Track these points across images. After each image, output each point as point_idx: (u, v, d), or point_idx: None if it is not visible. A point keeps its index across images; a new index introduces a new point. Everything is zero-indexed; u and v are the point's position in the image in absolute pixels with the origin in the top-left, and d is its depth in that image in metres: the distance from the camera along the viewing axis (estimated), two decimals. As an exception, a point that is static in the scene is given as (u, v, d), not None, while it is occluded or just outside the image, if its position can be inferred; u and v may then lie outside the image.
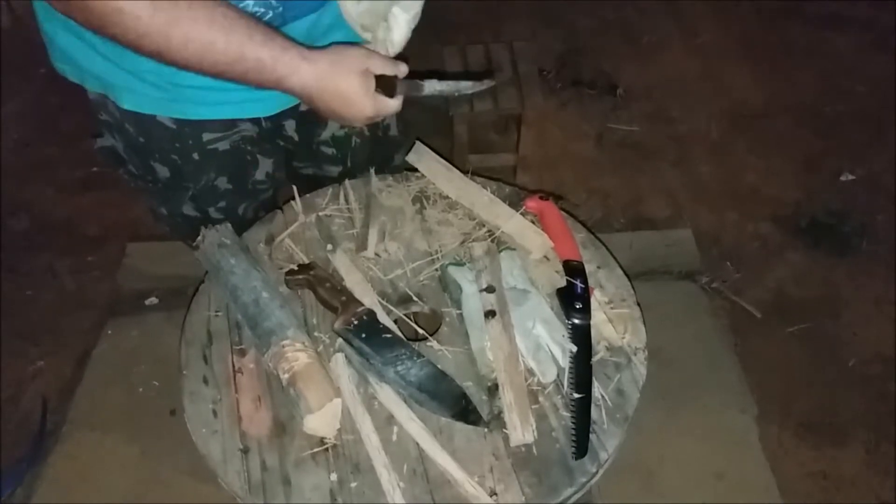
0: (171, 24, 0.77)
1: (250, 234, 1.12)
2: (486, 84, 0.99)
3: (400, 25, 0.95)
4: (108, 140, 1.11)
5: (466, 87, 0.97)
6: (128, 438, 1.64)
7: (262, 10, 0.90)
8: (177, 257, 1.80)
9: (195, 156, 1.09)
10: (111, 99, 1.01)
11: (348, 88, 0.89)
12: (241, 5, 0.87)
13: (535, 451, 0.86)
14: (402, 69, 0.95)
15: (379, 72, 0.91)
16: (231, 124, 1.08)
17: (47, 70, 1.03)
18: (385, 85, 0.92)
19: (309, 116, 1.16)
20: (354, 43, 0.96)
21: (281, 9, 0.92)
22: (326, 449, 0.87)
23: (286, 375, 0.87)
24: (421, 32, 0.99)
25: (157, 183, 1.13)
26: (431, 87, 0.95)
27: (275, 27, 0.87)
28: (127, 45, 0.79)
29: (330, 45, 0.91)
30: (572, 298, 0.97)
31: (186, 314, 1.03)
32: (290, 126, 1.20)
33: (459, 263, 1.04)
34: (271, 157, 1.20)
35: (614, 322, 0.98)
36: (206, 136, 1.07)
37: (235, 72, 0.83)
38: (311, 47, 0.88)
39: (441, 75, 0.97)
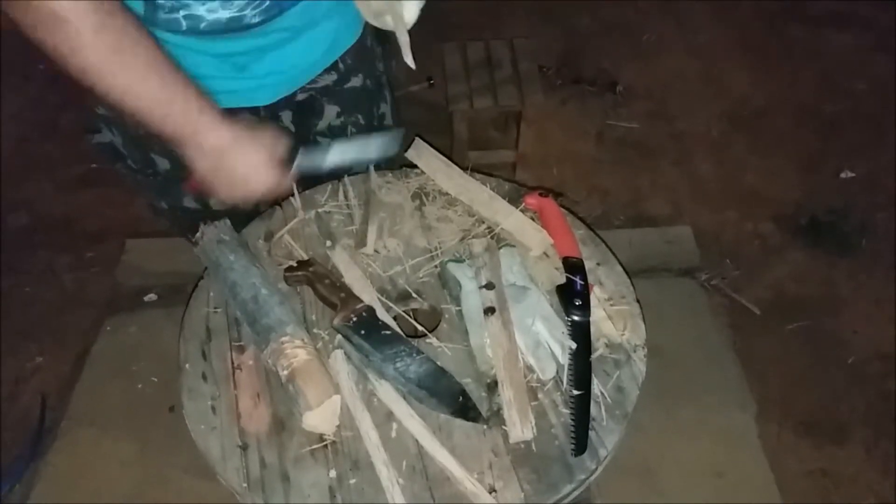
0: (112, 50, 0.78)
1: (249, 231, 1.12)
2: (395, 139, 1.04)
3: (411, 4, 0.96)
4: (107, 135, 1.11)
5: (372, 151, 1.03)
6: (127, 435, 1.64)
7: (260, 6, 0.90)
8: (176, 254, 1.80)
9: None
10: None
11: (257, 156, 0.92)
12: None
13: (534, 447, 0.86)
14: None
15: (281, 153, 0.95)
16: (229, 114, 1.08)
17: (46, 68, 1.02)
18: (285, 162, 0.96)
19: (305, 106, 1.16)
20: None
21: None
22: (325, 446, 0.87)
23: (285, 372, 0.87)
24: (421, 30, 0.99)
25: (158, 175, 1.13)
26: (333, 155, 0.99)
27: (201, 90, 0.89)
28: (55, 55, 0.78)
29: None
30: (572, 295, 0.97)
31: (185, 311, 1.03)
32: (286, 117, 1.20)
33: (459, 260, 1.04)
34: None
35: (614, 319, 0.98)
36: None
37: (155, 114, 0.84)
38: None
39: (343, 139, 1.02)
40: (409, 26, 0.97)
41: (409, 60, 0.98)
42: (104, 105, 1.05)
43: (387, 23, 0.98)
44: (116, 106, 0.84)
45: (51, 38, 0.77)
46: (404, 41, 0.97)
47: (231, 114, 1.07)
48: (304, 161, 0.97)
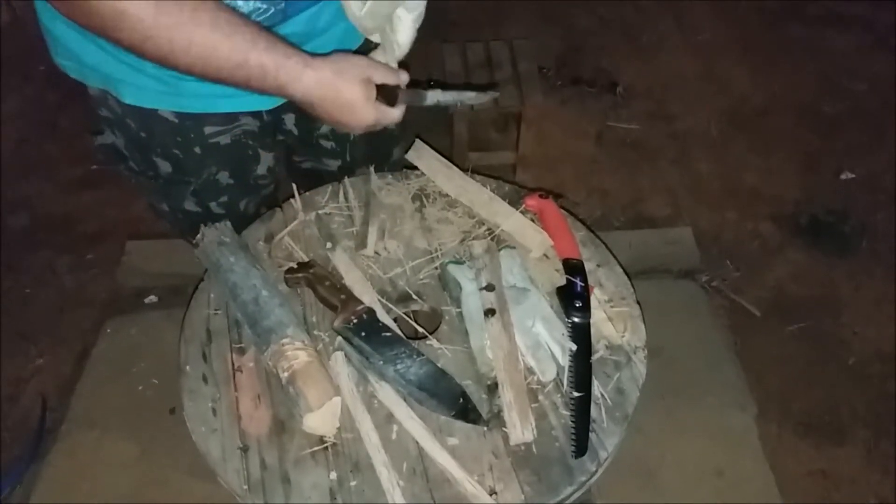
0: (175, 27, 0.77)
1: (250, 232, 1.12)
2: (489, 95, 1.00)
3: (405, 26, 0.95)
4: (109, 137, 1.11)
5: (469, 98, 0.99)
6: (127, 437, 1.63)
7: (265, 5, 0.90)
8: (176, 255, 1.80)
9: (197, 150, 1.09)
10: (112, 94, 1.01)
11: (350, 97, 0.89)
12: (243, 2, 0.87)
13: (534, 449, 0.86)
14: (404, 78, 0.95)
15: (380, 81, 0.92)
16: (232, 118, 1.08)
17: (47, 68, 1.03)
18: (386, 94, 0.92)
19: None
20: (357, 52, 0.97)
21: (283, 4, 0.92)
22: (326, 447, 0.87)
23: (286, 374, 0.87)
24: (421, 30, 0.99)
25: (159, 178, 1.13)
26: (434, 97, 0.95)
27: (278, 35, 0.87)
28: (130, 49, 0.79)
29: (332, 52, 0.91)
30: (572, 297, 0.97)
31: (186, 312, 1.03)
32: (289, 120, 1.20)
33: (459, 262, 1.04)
34: (272, 151, 1.20)
35: (614, 320, 0.98)
36: (208, 130, 1.07)
37: (237, 77, 0.83)
38: (313, 55, 0.88)
39: (443, 85, 0.97)
40: (404, 51, 0.98)
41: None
42: (107, 107, 1.06)
43: (381, 40, 0.98)
44: (213, 79, 0.83)
45: (123, 35, 0.77)
46: (394, 65, 0.97)
47: (232, 118, 1.08)
48: (405, 97, 0.93)
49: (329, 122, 0.93)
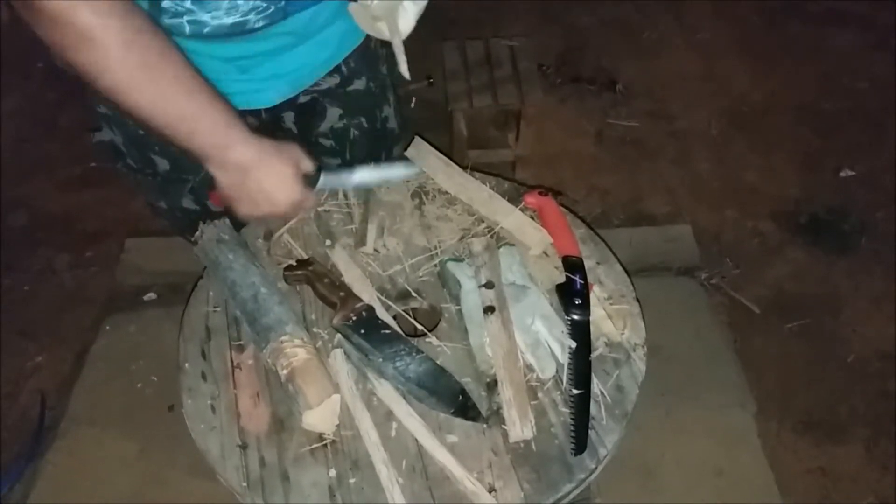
0: (139, 67, 0.77)
1: (249, 230, 1.12)
2: (411, 170, 1.06)
3: (408, 16, 0.95)
4: (107, 134, 1.11)
5: (394, 175, 1.04)
6: (126, 434, 1.63)
7: (265, 3, 0.90)
8: (175, 253, 1.80)
9: None
10: None
11: (283, 172, 0.91)
12: (243, 1, 0.87)
13: (534, 447, 0.86)
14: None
15: (306, 170, 0.94)
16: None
17: (46, 66, 1.03)
18: (308, 179, 0.94)
19: (307, 108, 1.16)
20: (358, 48, 1.00)
21: (283, 2, 0.92)
22: (325, 445, 0.87)
23: (285, 371, 0.87)
24: (420, 28, 0.99)
25: (157, 176, 1.13)
26: (355, 179, 0.99)
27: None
28: (84, 74, 0.78)
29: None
30: (571, 294, 0.97)
31: (185, 310, 1.03)
32: (288, 118, 1.20)
33: (458, 259, 1.04)
34: None
35: (613, 318, 0.98)
36: None
37: (182, 129, 0.83)
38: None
39: (367, 164, 1.01)
40: (404, 36, 0.98)
41: (403, 70, 0.99)
42: (106, 103, 1.05)
43: (381, 31, 0.98)
44: (144, 123, 0.83)
45: (81, 59, 0.76)
46: (399, 50, 0.97)
47: None
48: (327, 181, 0.96)
49: (248, 203, 0.92)
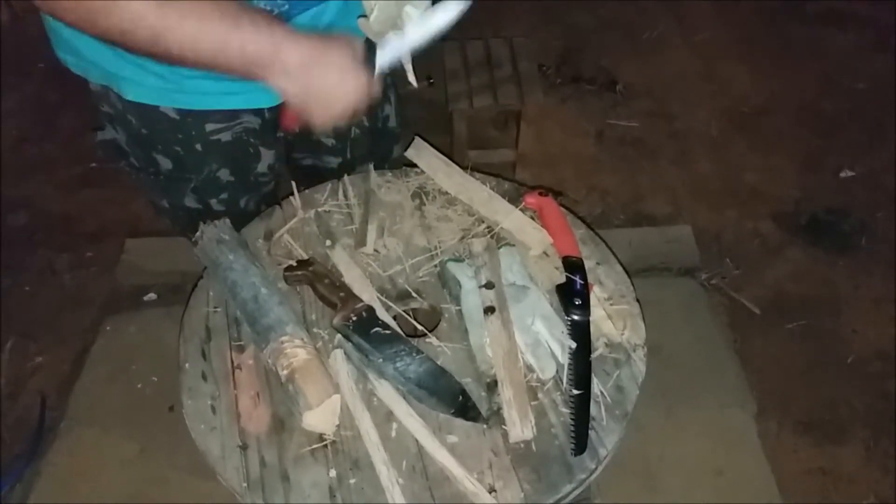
0: (165, 4, 0.76)
1: (249, 230, 1.12)
2: (464, 4, 0.95)
3: (413, 22, 0.95)
4: (110, 133, 1.11)
5: (445, 18, 0.93)
6: (126, 435, 1.63)
7: (269, 7, 0.90)
8: (175, 253, 1.80)
9: (198, 147, 1.09)
10: (114, 90, 1.01)
11: (343, 61, 0.87)
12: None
13: (534, 447, 0.86)
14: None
15: (362, 54, 0.90)
16: (234, 115, 1.08)
17: (46, 66, 1.03)
18: (367, 64, 0.90)
19: None
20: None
21: (287, 6, 0.92)
22: (325, 445, 0.87)
23: (285, 372, 0.87)
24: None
25: (160, 175, 1.13)
26: (410, 39, 0.91)
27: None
28: (118, 37, 0.78)
29: None
30: (572, 295, 0.97)
31: (185, 310, 1.03)
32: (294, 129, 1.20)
33: (458, 259, 1.04)
34: (272, 149, 1.20)
35: (613, 318, 0.98)
36: (209, 127, 1.07)
37: (232, 46, 0.81)
38: None
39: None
40: (422, 40, 0.97)
41: (411, 78, 0.98)
42: (107, 103, 1.05)
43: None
44: (192, 60, 0.81)
45: (113, 21, 0.76)
46: (407, 60, 0.96)
47: (234, 116, 1.08)
48: (384, 56, 0.91)
49: (320, 97, 0.89)
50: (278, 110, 1.13)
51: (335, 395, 0.87)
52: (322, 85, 0.87)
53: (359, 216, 1.12)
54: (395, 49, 0.92)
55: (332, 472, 0.84)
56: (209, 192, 1.16)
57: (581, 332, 0.94)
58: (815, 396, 1.78)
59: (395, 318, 0.99)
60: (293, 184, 1.15)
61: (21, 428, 1.72)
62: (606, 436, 0.87)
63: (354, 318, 0.93)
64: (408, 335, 0.95)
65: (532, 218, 1.09)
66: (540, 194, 1.11)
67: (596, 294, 1.00)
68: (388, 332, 0.93)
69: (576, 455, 0.85)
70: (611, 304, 1.00)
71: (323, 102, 0.89)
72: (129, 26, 0.76)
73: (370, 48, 0.91)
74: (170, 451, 1.57)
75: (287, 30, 0.84)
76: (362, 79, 0.89)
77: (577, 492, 0.85)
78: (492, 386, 0.91)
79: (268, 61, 0.83)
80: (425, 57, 0.97)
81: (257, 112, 1.12)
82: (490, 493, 0.81)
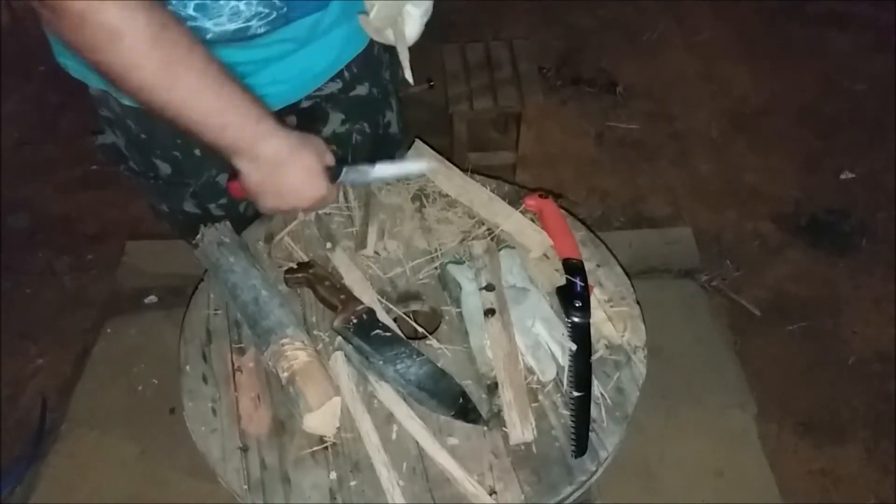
0: (166, 62, 0.76)
1: (249, 233, 1.12)
2: (428, 162, 1.05)
3: (413, 20, 0.96)
4: (109, 137, 1.11)
5: (413, 169, 1.03)
6: (127, 437, 1.64)
7: (266, 10, 0.90)
8: (176, 256, 1.80)
9: (197, 152, 1.09)
10: (113, 95, 1.01)
11: (311, 166, 0.90)
12: (245, 5, 0.87)
13: (534, 449, 0.86)
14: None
15: (329, 163, 0.94)
16: None
17: (47, 68, 1.03)
18: (330, 172, 0.94)
19: (310, 113, 1.16)
20: (361, 54, 1.01)
21: (285, 9, 0.92)
22: (326, 447, 0.87)
23: (285, 374, 0.87)
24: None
25: (159, 179, 1.13)
26: (375, 172, 0.97)
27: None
28: (108, 74, 0.77)
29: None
30: (572, 297, 0.97)
31: (186, 312, 1.03)
32: (290, 122, 1.20)
33: (459, 262, 1.04)
34: None
35: (614, 320, 0.98)
36: None
37: (213, 124, 0.82)
38: None
39: (385, 159, 0.99)
40: (410, 43, 0.98)
41: (408, 75, 0.99)
42: (107, 107, 1.06)
43: (388, 38, 0.98)
44: (175, 121, 0.82)
45: (108, 58, 0.75)
46: (405, 57, 0.97)
47: None
48: (348, 175, 0.95)
49: (276, 195, 0.91)
50: (278, 115, 1.14)
51: (335, 397, 0.87)
52: (283, 182, 0.90)
53: (359, 219, 1.12)
54: (361, 174, 0.96)
55: (333, 474, 0.84)
56: (208, 196, 1.16)
57: (581, 334, 0.94)
58: (815, 397, 1.78)
59: (395, 320, 0.99)
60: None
61: (21, 429, 1.72)
62: (607, 437, 0.87)
63: (355, 321, 0.93)
64: (408, 337, 0.95)
65: (532, 220, 1.09)
66: (540, 196, 1.11)
67: (596, 296, 1.00)
68: (388, 334, 0.93)
69: (576, 457, 0.85)
70: (611, 306, 1.00)
71: (277, 195, 0.91)
72: (122, 70, 0.76)
73: (339, 162, 0.95)
74: (170, 452, 1.57)
75: (273, 124, 0.86)
76: (322, 189, 0.92)
77: (577, 493, 0.85)
78: (492, 388, 0.91)
79: (242, 150, 0.86)
80: (425, 59, 0.97)
81: None
82: (490, 494, 0.81)
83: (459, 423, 0.88)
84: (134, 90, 0.79)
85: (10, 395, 1.80)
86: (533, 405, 0.89)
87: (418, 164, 1.04)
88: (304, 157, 0.89)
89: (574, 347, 0.92)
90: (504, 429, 0.87)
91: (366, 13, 0.97)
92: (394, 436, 0.87)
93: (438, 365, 0.92)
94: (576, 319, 0.94)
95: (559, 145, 2.47)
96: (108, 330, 1.86)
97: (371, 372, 0.92)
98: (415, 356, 0.91)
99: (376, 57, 1.18)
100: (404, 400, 0.89)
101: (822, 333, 1.91)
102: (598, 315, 0.97)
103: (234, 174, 0.92)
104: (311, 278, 1.00)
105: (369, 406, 0.89)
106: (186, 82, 0.78)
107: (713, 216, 2.22)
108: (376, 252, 1.07)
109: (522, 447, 0.86)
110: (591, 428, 0.87)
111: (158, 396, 1.70)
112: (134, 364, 1.77)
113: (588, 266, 1.03)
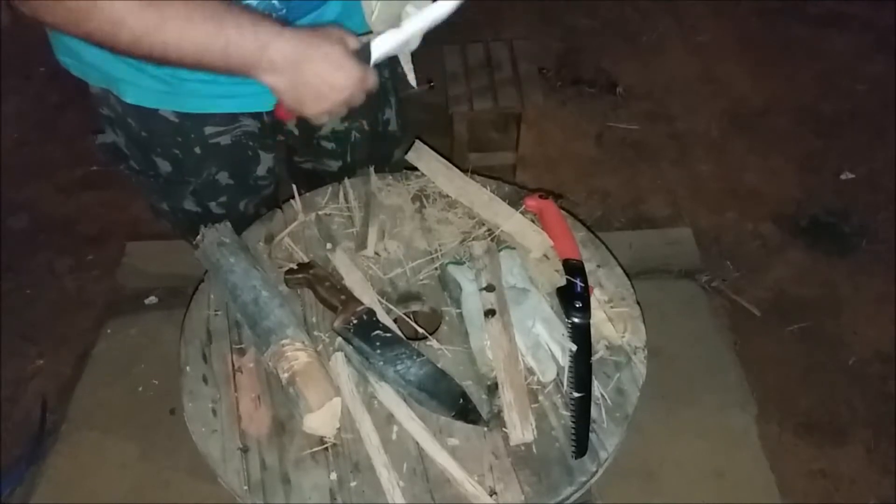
0: (147, 7, 0.76)
1: (250, 233, 1.12)
2: None
3: (413, 19, 0.95)
4: (110, 136, 1.11)
5: (444, 9, 0.93)
6: (127, 437, 1.64)
7: (266, 12, 0.90)
8: (176, 256, 1.80)
9: (197, 150, 1.09)
10: (113, 93, 1.01)
11: (333, 52, 0.86)
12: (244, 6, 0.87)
13: (534, 450, 0.86)
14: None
15: (354, 47, 0.89)
16: (233, 118, 1.08)
17: (47, 69, 1.03)
18: (361, 55, 0.89)
19: None
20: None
21: (284, 10, 0.92)
22: (326, 448, 0.87)
23: (286, 374, 0.87)
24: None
25: (159, 178, 1.13)
26: (408, 30, 0.90)
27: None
28: (102, 39, 0.77)
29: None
30: (572, 297, 0.97)
31: (186, 313, 1.03)
32: (290, 121, 1.20)
33: (459, 262, 1.04)
34: (272, 152, 1.20)
35: (614, 321, 0.98)
36: (208, 130, 1.07)
37: (215, 47, 0.80)
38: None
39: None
40: (414, 44, 0.97)
41: (411, 79, 0.98)
42: (107, 105, 1.06)
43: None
44: (182, 62, 0.81)
45: (94, 24, 0.76)
46: (406, 60, 0.96)
47: (233, 119, 1.08)
48: (379, 47, 0.90)
49: (313, 93, 0.88)
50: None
51: (336, 397, 0.87)
52: (313, 79, 0.86)
53: (359, 219, 1.12)
54: (389, 41, 0.90)
55: (333, 475, 0.84)
56: (208, 195, 1.16)
57: (581, 335, 0.94)
58: (815, 398, 1.78)
59: (395, 320, 0.99)
60: (294, 187, 1.15)
61: (22, 430, 1.72)
62: (607, 438, 0.87)
63: (355, 321, 0.94)
64: (408, 338, 0.96)
65: (532, 221, 1.09)
66: (540, 197, 1.11)
67: (596, 296, 1.00)
68: (388, 334, 0.93)
69: (576, 457, 0.85)
70: (611, 307, 1.00)
71: (315, 96, 0.88)
72: (110, 28, 0.76)
73: (364, 40, 0.90)
74: (170, 453, 1.57)
75: (273, 27, 0.83)
76: (356, 71, 0.88)
77: (577, 494, 0.85)
78: (492, 388, 0.91)
79: (253, 61, 0.83)
80: (425, 59, 0.97)
81: (256, 115, 1.12)
82: (491, 495, 0.81)
83: (460, 424, 0.88)
84: (130, 46, 0.78)
85: (11, 396, 1.80)
86: (533, 406, 0.89)
87: (443, 3, 0.93)
88: (321, 47, 0.85)
89: (574, 348, 0.92)
90: (504, 429, 0.87)
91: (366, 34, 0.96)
92: (394, 436, 0.87)
93: (439, 366, 0.92)
94: (576, 320, 0.95)
95: (559, 146, 2.47)
96: (109, 330, 1.86)
97: (371, 372, 0.92)
98: (415, 357, 0.91)
99: None
100: (404, 400, 0.89)
101: (823, 334, 1.91)
102: (598, 316, 0.97)
103: (271, 108, 0.89)
104: (312, 279, 1.00)
105: (369, 407, 0.90)
106: (172, 18, 0.77)
107: (713, 217, 2.22)
108: (376, 253, 1.08)
109: (523, 448, 0.86)
110: (591, 428, 0.87)
111: (159, 397, 1.70)
112: (134, 365, 1.77)
113: (588, 267, 1.03)
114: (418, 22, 0.91)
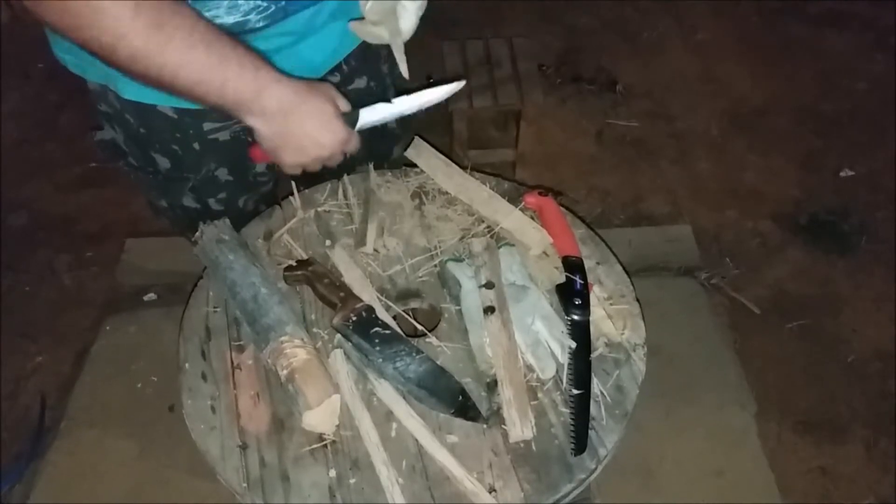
0: (152, 27, 0.75)
1: (249, 230, 1.12)
2: (455, 85, 0.98)
3: (409, 14, 0.95)
4: (108, 132, 1.11)
5: (432, 96, 0.97)
6: (126, 434, 1.64)
7: (265, 3, 0.90)
8: (175, 253, 1.80)
9: (196, 146, 1.09)
10: (112, 89, 1.01)
11: (323, 109, 0.89)
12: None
13: (534, 447, 0.86)
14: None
15: (343, 108, 0.92)
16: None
17: (46, 67, 1.03)
18: (348, 118, 0.92)
19: None
20: (357, 48, 0.99)
21: (283, 2, 0.92)
22: (325, 445, 0.87)
23: (285, 371, 0.87)
24: (420, 28, 0.99)
25: (158, 174, 1.13)
26: (397, 108, 0.95)
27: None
28: (99, 52, 0.77)
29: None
30: (571, 294, 0.97)
31: (185, 310, 1.03)
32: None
33: (458, 259, 1.04)
34: None
35: (613, 318, 0.98)
36: (207, 126, 1.07)
37: (213, 83, 0.81)
38: None
39: (400, 92, 0.96)
40: (407, 36, 0.98)
41: (404, 71, 0.98)
42: (105, 102, 1.05)
43: (381, 36, 0.98)
44: (174, 87, 0.81)
45: (95, 34, 0.75)
46: (399, 52, 0.96)
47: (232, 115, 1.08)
48: (367, 117, 0.93)
49: (295, 145, 0.89)
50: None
51: (335, 395, 0.87)
52: (297, 130, 0.88)
53: (358, 216, 1.12)
54: (380, 112, 0.94)
55: (332, 472, 0.84)
56: (207, 191, 1.16)
57: (581, 332, 0.94)
58: (815, 396, 1.78)
59: (394, 317, 0.99)
60: (293, 183, 1.15)
61: (21, 428, 1.72)
62: (606, 435, 0.87)
63: (354, 318, 0.93)
64: (408, 335, 0.95)
65: (532, 218, 1.09)
66: (540, 194, 1.11)
67: (596, 294, 1.00)
68: (387, 331, 0.93)
69: (576, 455, 0.85)
70: (611, 304, 1.00)
71: (296, 147, 0.90)
72: (110, 41, 0.75)
73: (355, 107, 0.93)
74: (170, 450, 1.57)
75: (273, 73, 0.84)
76: (341, 132, 0.90)
77: (576, 491, 0.85)
78: (492, 386, 0.91)
79: (247, 102, 0.84)
80: (425, 56, 0.97)
81: None
82: (490, 492, 0.81)
83: (459, 421, 0.88)
84: (127, 62, 0.77)
85: (10, 394, 1.80)
86: (532, 403, 0.89)
87: (438, 89, 0.98)
88: (313, 102, 0.87)
89: (573, 345, 0.92)
90: (503, 427, 0.87)
91: (358, 20, 0.97)
92: (393, 433, 0.87)
93: (438, 363, 0.92)
94: (575, 317, 0.95)
95: (559, 143, 2.47)
96: (108, 328, 1.86)
97: (370, 370, 0.91)
98: (414, 354, 0.91)
99: (374, 51, 1.18)
100: (404, 398, 0.89)
101: (822, 332, 1.91)
102: (597, 313, 0.97)
103: (253, 140, 0.90)
104: (311, 276, 1.00)
105: (369, 404, 0.89)
106: (176, 43, 0.77)
107: (713, 214, 2.22)
108: (376, 250, 1.07)
109: (522, 445, 0.86)
110: (590, 426, 0.87)
111: (158, 394, 1.70)
112: (133, 362, 1.77)
113: (588, 264, 1.03)
114: (412, 101, 0.96)
